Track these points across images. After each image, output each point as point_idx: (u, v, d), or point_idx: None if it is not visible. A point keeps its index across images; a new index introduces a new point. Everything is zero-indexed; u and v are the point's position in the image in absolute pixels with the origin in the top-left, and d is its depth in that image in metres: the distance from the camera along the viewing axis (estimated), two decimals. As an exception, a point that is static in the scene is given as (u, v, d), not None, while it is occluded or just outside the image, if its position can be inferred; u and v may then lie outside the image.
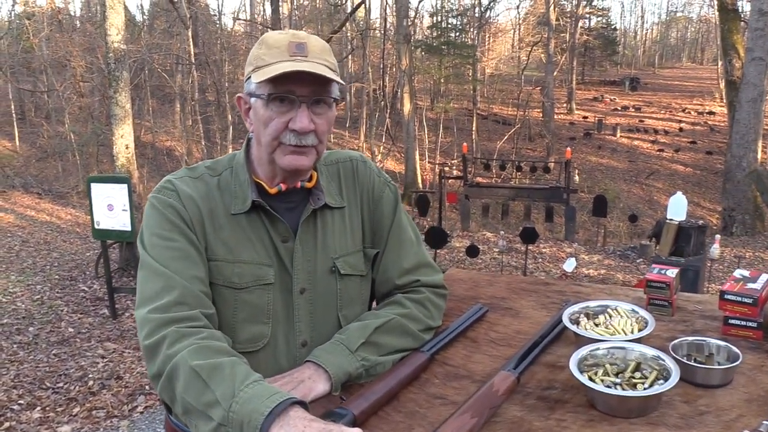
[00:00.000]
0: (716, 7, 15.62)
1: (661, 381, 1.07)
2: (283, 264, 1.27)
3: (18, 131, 20.59)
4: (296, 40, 1.20)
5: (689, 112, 29.58)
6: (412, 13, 21.08)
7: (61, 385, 4.62)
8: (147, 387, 4.45)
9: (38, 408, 4.20)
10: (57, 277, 7.88)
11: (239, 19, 27.22)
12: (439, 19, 28.85)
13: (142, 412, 4.14)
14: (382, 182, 1.42)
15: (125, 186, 5.89)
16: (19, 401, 4.31)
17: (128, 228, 5.89)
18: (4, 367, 4.95)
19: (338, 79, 1.21)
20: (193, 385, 1.02)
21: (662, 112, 29.99)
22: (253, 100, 1.23)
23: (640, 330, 1.27)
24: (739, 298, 1.32)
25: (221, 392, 0.99)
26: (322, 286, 1.30)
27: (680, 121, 27.83)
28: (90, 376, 4.71)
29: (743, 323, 1.31)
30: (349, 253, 1.34)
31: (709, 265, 7.29)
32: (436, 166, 20.95)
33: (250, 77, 1.22)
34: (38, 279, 7.72)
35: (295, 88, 1.18)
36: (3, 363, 5.04)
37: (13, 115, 21.12)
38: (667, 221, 5.78)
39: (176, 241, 1.19)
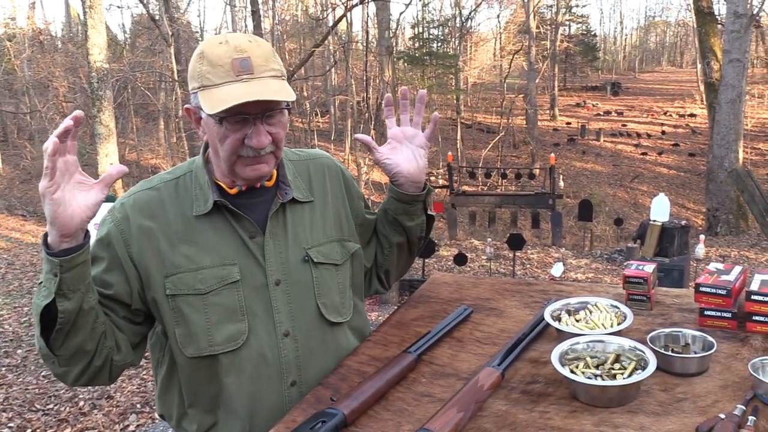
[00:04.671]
0: (693, 10, 15.89)
1: (640, 371, 1.11)
2: (255, 259, 1.28)
3: (1, 153, 20.44)
4: (239, 55, 1.16)
5: (671, 115, 29.91)
6: (393, 25, 21.21)
7: (51, 406, 4.58)
8: (138, 406, 4.43)
9: (29, 430, 4.17)
10: (44, 298, 7.80)
11: (222, 36, 27.19)
12: (421, 30, 28.98)
13: (134, 431, 4.12)
14: (349, 176, 1.53)
15: (110, 204, 5.90)
16: (9, 424, 4.28)
17: (115, 246, 5.88)
18: (-7, 390, 4.91)
19: (288, 90, 1.19)
20: (35, 305, 1.12)
21: (644, 115, 30.31)
22: (203, 114, 1.21)
23: (619, 324, 1.31)
24: (713, 290, 1.36)
25: (41, 282, 1.11)
26: (296, 275, 1.31)
27: (662, 124, 28.13)
28: (80, 396, 4.68)
29: (718, 314, 1.35)
30: (321, 243, 1.36)
31: (694, 265, 7.38)
32: (423, 175, 20.96)
33: (196, 92, 1.20)
34: (25, 301, 7.65)
35: (247, 109, 1.17)
36: (-8, 386, 4.99)
37: (-4, 137, 20.97)
38: (651, 222, 5.88)
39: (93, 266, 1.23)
